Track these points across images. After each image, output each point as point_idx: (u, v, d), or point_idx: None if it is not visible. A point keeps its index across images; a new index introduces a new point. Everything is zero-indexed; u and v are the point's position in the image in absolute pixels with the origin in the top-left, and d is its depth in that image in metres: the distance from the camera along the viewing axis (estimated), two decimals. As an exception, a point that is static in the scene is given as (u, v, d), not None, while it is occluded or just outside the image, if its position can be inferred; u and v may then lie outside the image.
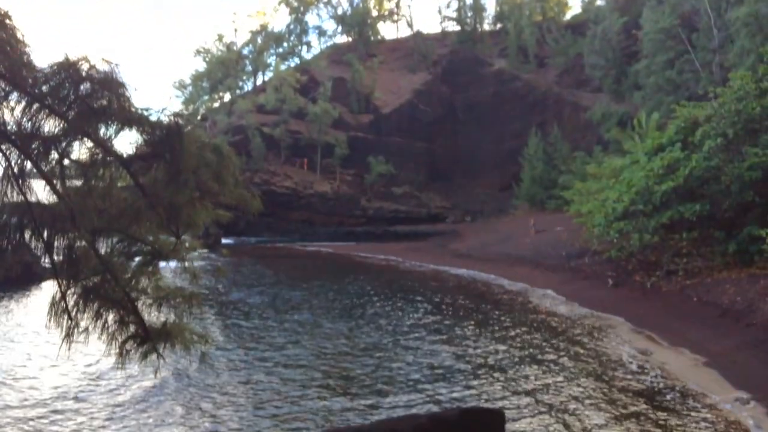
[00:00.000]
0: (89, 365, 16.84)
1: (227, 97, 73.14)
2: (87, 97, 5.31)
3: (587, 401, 15.09)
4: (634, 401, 15.13)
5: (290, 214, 58.25)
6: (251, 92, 71.25)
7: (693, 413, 14.20)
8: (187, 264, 5.67)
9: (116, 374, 15.96)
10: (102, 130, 5.41)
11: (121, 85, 5.30)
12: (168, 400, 15.00)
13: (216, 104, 73.31)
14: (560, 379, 16.86)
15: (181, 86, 74.75)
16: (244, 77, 76.01)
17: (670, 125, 30.17)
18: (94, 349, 8.34)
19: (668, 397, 15.39)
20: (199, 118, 67.09)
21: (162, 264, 5.77)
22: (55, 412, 13.99)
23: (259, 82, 75.09)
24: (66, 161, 5.48)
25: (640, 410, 14.52)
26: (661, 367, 17.48)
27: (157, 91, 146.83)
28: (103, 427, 13.30)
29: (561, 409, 14.60)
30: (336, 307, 26.64)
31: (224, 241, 47.24)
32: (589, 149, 51.59)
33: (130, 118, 5.43)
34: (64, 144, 5.36)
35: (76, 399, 14.88)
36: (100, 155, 5.37)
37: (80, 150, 5.46)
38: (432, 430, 10.45)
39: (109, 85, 5.29)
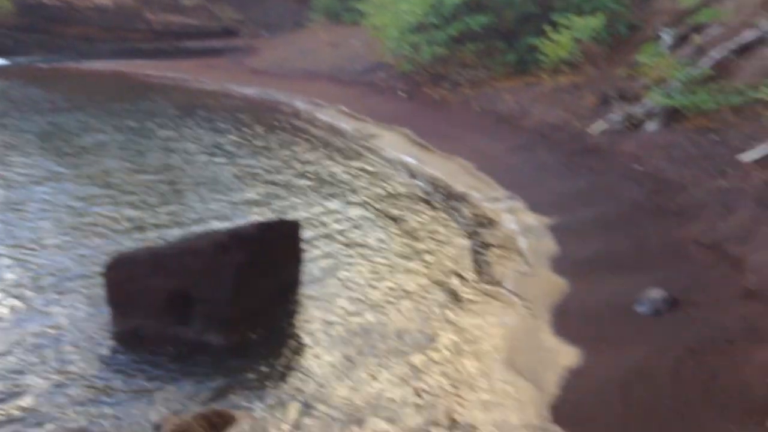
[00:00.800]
0: None
1: None
2: None
3: (363, 204, 16.55)
4: (402, 202, 16.67)
5: (65, 30, 52.17)
6: None
7: (453, 210, 15.96)
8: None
9: None
10: None
11: None
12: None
13: None
14: (340, 188, 18.02)
15: None
16: None
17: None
18: None
19: (435, 198, 17.06)
20: None
21: None
22: None
23: None
24: None
25: (406, 210, 16.18)
26: (433, 174, 19.05)
27: None
28: None
29: (340, 213, 15.90)
30: (123, 129, 25.13)
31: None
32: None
33: None
34: None
35: None
36: None
37: None
38: (231, 245, 10.73)
39: None
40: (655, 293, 10.21)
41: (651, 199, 14.39)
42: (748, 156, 14.04)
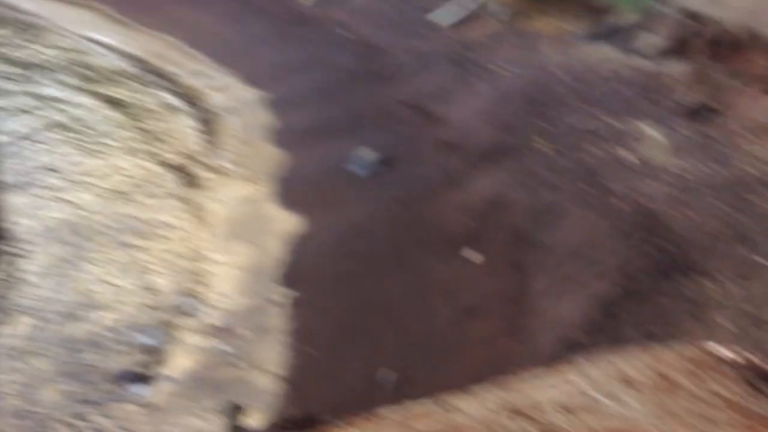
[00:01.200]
0: None
1: None
2: None
3: (71, 89, 15.22)
4: (115, 86, 15.55)
5: None
6: None
7: (168, 90, 15.22)
8: None
9: None
10: None
11: None
12: None
13: None
14: (42, 73, 16.22)
15: None
16: None
17: None
18: None
19: (148, 78, 16.06)
20: None
21: None
22: None
23: None
24: None
25: (120, 94, 15.16)
26: (141, 54, 17.67)
27: None
28: None
29: (47, 100, 14.40)
30: None
31: None
32: None
33: None
34: None
35: None
36: None
37: None
38: None
39: None
40: (367, 154, 10.83)
41: (360, 65, 14.91)
42: (441, 18, 15.06)
